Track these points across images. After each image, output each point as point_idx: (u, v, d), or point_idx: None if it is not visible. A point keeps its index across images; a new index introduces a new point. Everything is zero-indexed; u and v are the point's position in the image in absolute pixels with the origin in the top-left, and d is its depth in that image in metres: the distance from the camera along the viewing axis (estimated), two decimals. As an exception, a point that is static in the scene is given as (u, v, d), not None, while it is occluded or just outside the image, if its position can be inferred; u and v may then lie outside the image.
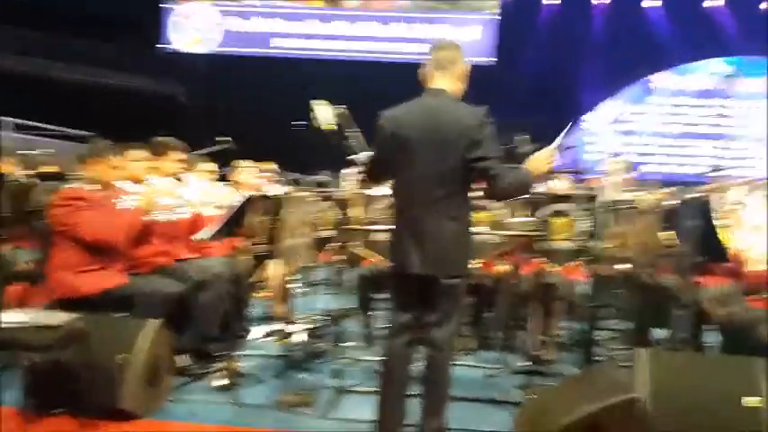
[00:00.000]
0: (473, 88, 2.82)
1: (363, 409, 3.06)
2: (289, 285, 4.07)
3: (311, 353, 4.00)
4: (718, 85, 12.61)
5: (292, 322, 3.99)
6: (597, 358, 4.14)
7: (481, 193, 2.72)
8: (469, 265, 2.80)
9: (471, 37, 12.91)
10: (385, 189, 3.63)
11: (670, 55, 13.10)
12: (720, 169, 5.68)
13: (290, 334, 3.89)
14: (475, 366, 3.93)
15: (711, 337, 3.81)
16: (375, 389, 2.88)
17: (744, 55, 12.83)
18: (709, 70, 13.23)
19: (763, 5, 12.45)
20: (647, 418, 2.53)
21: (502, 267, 4.30)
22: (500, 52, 12.47)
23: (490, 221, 3.93)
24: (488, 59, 12.38)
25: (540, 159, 2.74)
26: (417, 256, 2.67)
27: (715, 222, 3.76)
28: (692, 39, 12.77)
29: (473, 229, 2.82)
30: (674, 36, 12.86)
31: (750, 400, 2.67)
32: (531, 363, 3.81)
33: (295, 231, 3.49)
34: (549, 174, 2.82)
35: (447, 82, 2.75)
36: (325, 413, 3.21)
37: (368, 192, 3.85)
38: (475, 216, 3.16)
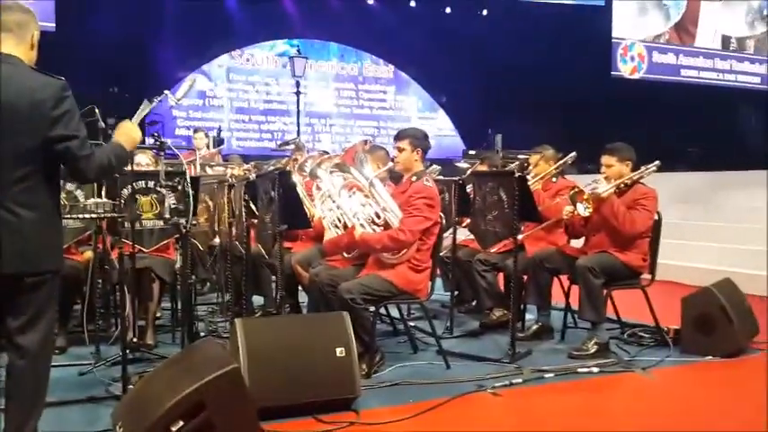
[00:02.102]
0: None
1: None
2: None
3: None
4: (287, 65, 13.68)
5: None
6: (201, 334, 4.15)
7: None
8: (57, 259, 2.45)
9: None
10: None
11: (242, 35, 13.72)
12: (294, 143, 6.12)
13: None
14: (66, 365, 3.55)
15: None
16: None
17: (306, 38, 14.16)
18: (276, 51, 14.29)
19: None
20: (246, 385, 2.62)
21: (86, 254, 3.94)
22: (62, 19, 11.06)
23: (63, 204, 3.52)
24: (47, 24, 10.92)
25: (128, 128, 2.54)
26: None
27: (299, 192, 4.10)
28: (260, 21, 13.58)
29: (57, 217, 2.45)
30: (244, 18, 13.48)
31: (342, 350, 2.99)
32: (129, 351, 3.59)
33: None
34: (134, 148, 2.63)
35: (17, 48, 2.35)
36: None
37: None
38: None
